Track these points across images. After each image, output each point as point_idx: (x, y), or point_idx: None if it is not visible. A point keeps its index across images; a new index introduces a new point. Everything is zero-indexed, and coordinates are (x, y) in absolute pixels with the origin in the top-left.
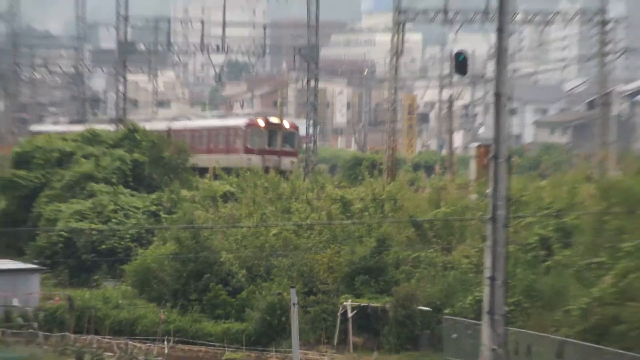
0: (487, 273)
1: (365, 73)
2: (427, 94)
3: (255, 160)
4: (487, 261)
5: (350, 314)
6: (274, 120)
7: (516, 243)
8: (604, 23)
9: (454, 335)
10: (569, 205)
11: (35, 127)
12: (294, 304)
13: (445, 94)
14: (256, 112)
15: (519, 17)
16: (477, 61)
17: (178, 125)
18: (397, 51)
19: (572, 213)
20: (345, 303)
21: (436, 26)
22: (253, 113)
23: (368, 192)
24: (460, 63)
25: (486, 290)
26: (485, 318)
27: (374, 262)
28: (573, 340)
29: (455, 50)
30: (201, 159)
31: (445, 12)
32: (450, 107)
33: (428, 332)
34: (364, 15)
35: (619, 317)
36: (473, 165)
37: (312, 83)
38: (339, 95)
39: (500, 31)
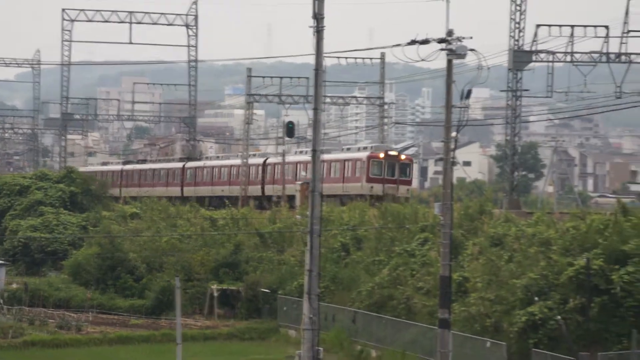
0: (307, 267)
1: (227, 134)
2: (268, 149)
3: (377, 188)
4: (307, 259)
5: (215, 294)
6: (392, 153)
7: (326, 247)
8: (382, 105)
9: (285, 308)
10: (360, 222)
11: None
12: (177, 288)
13: (280, 149)
14: (374, 146)
15: (327, 99)
16: (300, 128)
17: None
18: (248, 121)
19: (362, 227)
20: (212, 287)
21: (274, 105)
22: (372, 147)
23: (228, 213)
24: (290, 129)
25: (306, 278)
26: (305, 297)
27: (232, 259)
28: (362, 311)
29: (286, 121)
30: (327, 188)
31: (280, 96)
32: (283, 158)
33: (268, 306)
34: (227, 97)
35: (392, 296)
36: (298, 196)
37: (192, 141)
38: (209, 150)
39: (316, 109)
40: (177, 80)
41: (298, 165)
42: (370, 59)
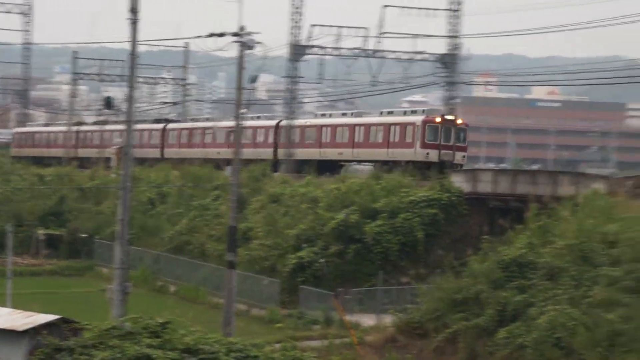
0: (119, 216)
1: (55, 106)
2: (91, 119)
3: (432, 154)
4: (119, 210)
5: (41, 238)
6: (449, 117)
7: (136, 201)
8: (185, 85)
9: (100, 250)
10: (165, 181)
11: None
12: (9, 232)
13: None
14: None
15: (140, 79)
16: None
17: (353, 120)
18: (73, 95)
19: (165, 185)
20: (39, 232)
21: (95, 82)
22: (423, 110)
23: (55, 171)
24: (108, 103)
25: (119, 226)
26: (117, 241)
27: (57, 209)
28: (164, 254)
29: (105, 95)
30: (367, 153)
31: (100, 75)
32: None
33: (87, 248)
34: (56, 74)
35: (189, 242)
36: (114, 159)
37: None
38: (39, 118)
39: (131, 87)
40: (15, 58)
41: (113, 133)
42: (176, 47)
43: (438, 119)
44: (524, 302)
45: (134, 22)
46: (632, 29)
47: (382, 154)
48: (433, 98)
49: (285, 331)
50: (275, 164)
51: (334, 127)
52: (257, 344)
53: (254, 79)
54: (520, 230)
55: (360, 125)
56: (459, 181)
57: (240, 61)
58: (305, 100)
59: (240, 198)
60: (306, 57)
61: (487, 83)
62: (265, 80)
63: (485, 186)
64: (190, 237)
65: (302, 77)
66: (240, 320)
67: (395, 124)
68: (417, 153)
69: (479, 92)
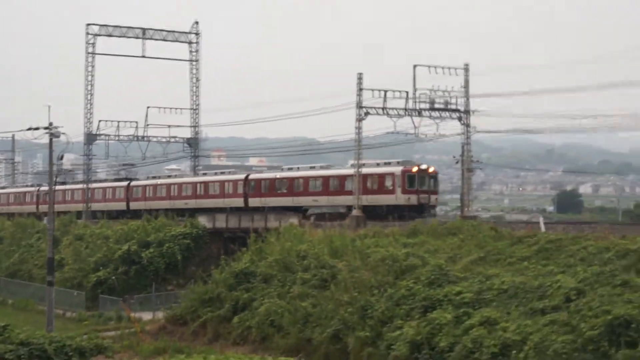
0: None
1: None
2: None
3: (413, 198)
4: None
5: None
6: (423, 167)
7: None
8: (14, 163)
9: None
10: (1, 229)
11: None
12: None
13: None
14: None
15: None
16: None
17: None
18: None
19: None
20: None
21: None
22: (397, 162)
23: None
24: None
25: None
26: None
27: None
28: (4, 278)
29: None
30: (365, 198)
31: None
32: None
33: None
34: None
35: (20, 269)
36: None
37: None
38: None
39: None
40: None
41: None
42: (7, 137)
43: (414, 169)
44: (249, 298)
45: None
46: (312, 118)
47: (373, 199)
48: (184, 166)
49: (90, 326)
50: (78, 214)
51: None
52: (71, 336)
53: (60, 157)
54: (245, 251)
55: (366, 174)
56: (203, 220)
57: (50, 145)
58: (98, 170)
59: (55, 238)
60: (97, 141)
61: (220, 155)
62: (70, 157)
63: (221, 223)
64: (21, 266)
65: (95, 154)
66: (58, 321)
67: (373, 175)
68: (398, 198)
69: (214, 161)
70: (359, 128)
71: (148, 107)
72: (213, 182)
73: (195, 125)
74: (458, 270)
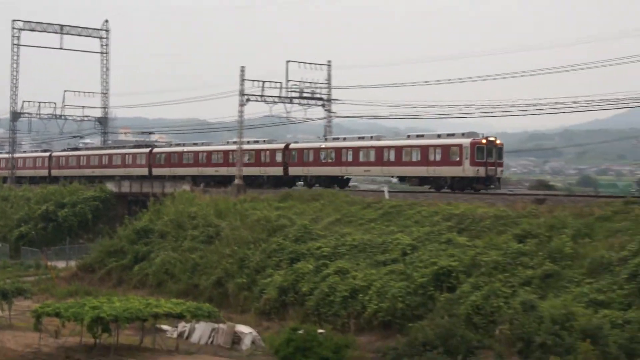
0: None
1: None
2: None
3: (481, 170)
4: None
5: None
6: (491, 138)
7: None
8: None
9: None
10: None
11: None
12: None
13: None
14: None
15: None
16: None
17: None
18: None
19: None
20: None
21: None
22: (463, 134)
23: None
24: None
25: None
26: None
27: None
28: None
29: None
30: (434, 170)
31: None
32: None
33: None
34: None
35: None
36: None
37: None
38: None
39: None
40: None
41: None
42: None
43: (484, 140)
44: (147, 250)
45: None
46: (205, 102)
47: (440, 170)
48: (96, 141)
49: (13, 273)
50: (4, 179)
51: (417, 147)
52: None
53: None
54: (145, 212)
55: (432, 145)
56: (110, 185)
57: None
58: (23, 143)
59: None
60: (21, 118)
61: (126, 132)
62: None
63: (125, 188)
64: None
65: (19, 129)
66: None
67: (436, 146)
68: (465, 169)
69: (122, 137)
70: (241, 112)
71: (65, 91)
72: (117, 154)
73: (105, 107)
74: (319, 229)
